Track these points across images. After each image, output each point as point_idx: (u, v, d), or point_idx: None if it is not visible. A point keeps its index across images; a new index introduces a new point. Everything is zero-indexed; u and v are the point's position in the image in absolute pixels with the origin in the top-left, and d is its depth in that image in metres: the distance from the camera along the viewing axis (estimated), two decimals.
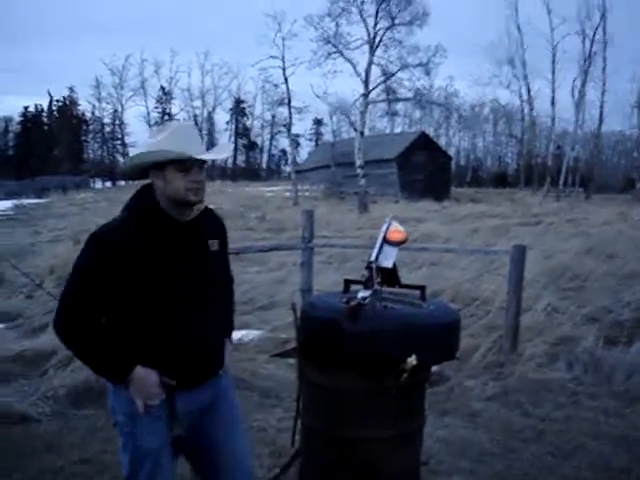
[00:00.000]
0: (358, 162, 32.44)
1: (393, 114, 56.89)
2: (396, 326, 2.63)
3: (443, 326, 2.77)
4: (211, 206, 2.63)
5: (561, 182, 42.89)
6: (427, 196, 34.27)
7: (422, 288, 2.99)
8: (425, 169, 39.49)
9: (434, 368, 2.87)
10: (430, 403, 4.54)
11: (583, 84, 44.38)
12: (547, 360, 6.40)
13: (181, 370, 2.37)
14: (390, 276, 2.98)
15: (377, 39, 34.27)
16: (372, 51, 34.19)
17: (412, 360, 2.59)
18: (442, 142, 60.74)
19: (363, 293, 2.82)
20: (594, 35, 43.87)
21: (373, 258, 2.95)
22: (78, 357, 2.42)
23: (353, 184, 33.36)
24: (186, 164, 2.31)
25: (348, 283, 3.09)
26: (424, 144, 41.46)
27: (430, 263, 11.29)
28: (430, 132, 54.47)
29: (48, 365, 5.68)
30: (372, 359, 2.63)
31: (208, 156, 2.43)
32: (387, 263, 2.95)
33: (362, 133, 33.63)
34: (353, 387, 2.69)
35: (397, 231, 2.99)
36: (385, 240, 2.99)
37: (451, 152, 55.69)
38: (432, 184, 38.31)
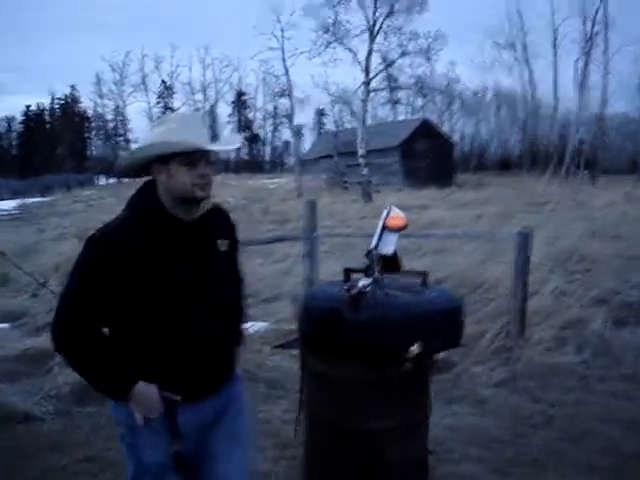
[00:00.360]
0: (360, 151, 32.35)
1: (395, 102, 56.64)
2: (398, 314, 2.58)
3: (446, 313, 2.71)
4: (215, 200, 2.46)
5: (565, 165, 42.69)
6: (431, 183, 34.09)
7: (424, 274, 2.93)
8: (428, 156, 39.34)
9: (440, 355, 2.81)
10: (437, 391, 4.49)
11: (585, 66, 44.12)
12: (555, 344, 6.35)
13: (186, 379, 2.22)
14: (391, 263, 2.92)
15: (376, 27, 34.10)
16: (372, 39, 34.02)
17: (415, 348, 2.54)
18: (445, 129, 60.46)
19: (364, 281, 2.76)
20: (595, 16, 43.57)
21: (373, 246, 2.90)
22: (76, 369, 2.21)
23: (356, 173, 33.26)
24: (193, 157, 2.13)
25: (349, 272, 3.03)
26: (427, 131, 41.31)
27: (435, 250, 11.23)
28: (433, 119, 54.24)
29: (52, 363, 5.65)
30: (374, 348, 2.58)
31: (217, 147, 2.23)
32: (387, 250, 2.89)
33: (364, 122, 33.52)
34: (356, 377, 2.64)
35: (397, 217, 2.93)
36: (385, 227, 2.93)
37: (454, 138, 55.38)
38: (436, 171, 38.15)
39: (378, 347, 2.57)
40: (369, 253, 2.89)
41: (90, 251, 2.13)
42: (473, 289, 7.97)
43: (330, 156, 41.45)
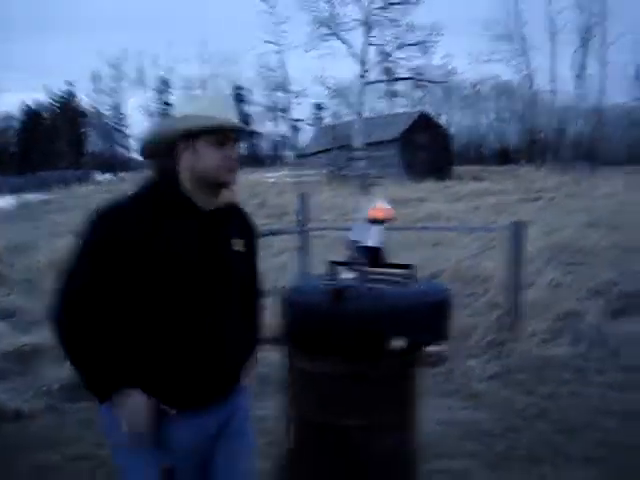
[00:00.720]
0: (359, 144, 32.28)
1: (393, 95, 56.50)
2: (381, 307, 2.52)
3: (432, 306, 2.64)
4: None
5: (564, 156, 42.65)
6: (430, 176, 34.00)
7: (410, 267, 2.87)
8: (427, 149, 39.23)
9: (432, 349, 2.75)
10: (430, 385, 4.45)
11: (583, 57, 44.05)
12: (551, 336, 6.31)
13: (191, 383, 2.03)
14: (376, 256, 2.86)
15: (372, 19, 33.96)
16: (367, 31, 33.89)
17: (399, 342, 2.49)
18: (443, 121, 60.34)
19: (348, 275, 2.71)
20: (592, 7, 43.44)
21: (357, 238, 2.85)
22: (69, 355, 1.98)
23: (355, 167, 33.20)
24: (224, 136, 2.01)
25: (333, 265, 2.97)
26: (425, 124, 41.18)
27: (432, 243, 11.19)
28: (431, 111, 54.11)
29: (43, 360, 5.61)
30: (357, 342, 2.52)
31: (252, 127, 2.16)
32: (373, 242, 2.84)
33: (361, 115, 33.44)
34: (338, 372, 2.58)
35: (381, 209, 2.88)
36: (370, 219, 2.87)
37: (453, 131, 55.34)
38: (434, 163, 38.06)
39: (361, 341, 2.52)
40: (353, 246, 2.84)
41: (93, 229, 1.97)
42: (468, 282, 7.93)
43: (330, 149, 41.37)
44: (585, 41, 43.79)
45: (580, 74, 44.04)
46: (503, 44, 52.15)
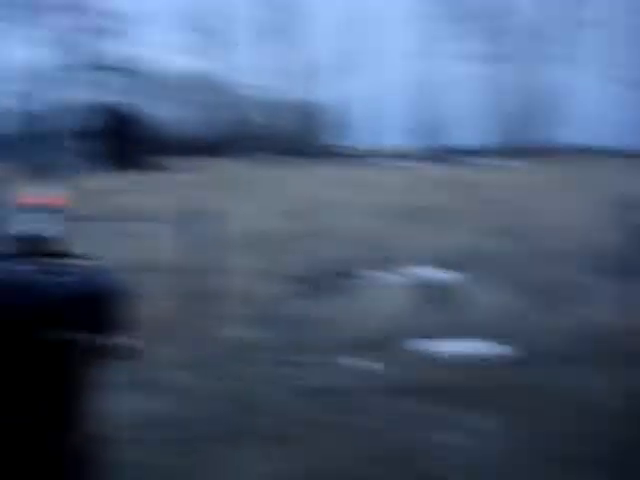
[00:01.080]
0: (50, 133, 30.65)
1: (94, 84, 54.44)
2: (34, 298, 2.43)
3: (97, 296, 2.57)
4: None
5: (266, 149, 44.15)
6: (131, 167, 33.05)
7: (80, 257, 2.75)
8: (129, 140, 38.16)
9: (112, 340, 2.68)
10: (115, 377, 4.34)
11: (267, 50, 46.00)
12: (241, 320, 6.50)
13: None
14: (41, 246, 2.70)
15: (69, 4, 32.35)
16: (64, 16, 32.24)
17: (58, 335, 2.40)
18: (148, 112, 59.41)
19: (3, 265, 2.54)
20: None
21: (20, 227, 2.67)
22: None
23: (48, 156, 31.43)
24: None
25: None
26: (127, 114, 40.13)
27: (123, 234, 10.89)
28: (135, 102, 52.99)
29: None
30: (9, 335, 2.41)
31: None
32: (36, 231, 2.67)
33: (58, 103, 31.77)
34: None
35: (40, 196, 2.72)
36: (26, 206, 2.70)
37: (158, 122, 54.77)
38: (137, 155, 37.10)
39: (10, 334, 2.41)
40: (15, 235, 2.66)
41: None
42: (155, 271, 7.85)
43: (14, 138, 38.58)
44: (282, 36, 45.76)
45: (268, 67, 45.94)
46: (205, 37, 52.93)
